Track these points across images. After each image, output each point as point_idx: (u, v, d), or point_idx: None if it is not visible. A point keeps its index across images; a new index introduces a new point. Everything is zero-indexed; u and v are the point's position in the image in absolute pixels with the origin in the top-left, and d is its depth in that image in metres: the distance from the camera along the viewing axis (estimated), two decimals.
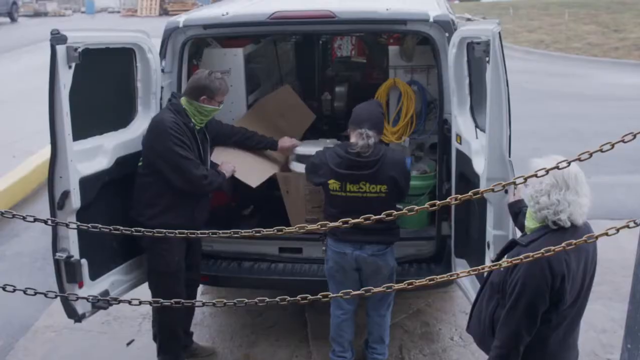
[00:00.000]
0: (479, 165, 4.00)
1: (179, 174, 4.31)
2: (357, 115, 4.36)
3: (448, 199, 2.71)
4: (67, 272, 4.07)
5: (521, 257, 2.51)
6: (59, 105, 3.86)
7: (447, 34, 4.56)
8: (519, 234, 3.70)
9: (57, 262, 4.07)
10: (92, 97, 4.29)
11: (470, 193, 2.59)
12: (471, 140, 4.23)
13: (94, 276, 4.29)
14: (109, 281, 4.46)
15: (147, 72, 4.63)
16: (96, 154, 4.29)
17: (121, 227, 2.89)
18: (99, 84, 4.36)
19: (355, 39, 7.60)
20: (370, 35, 6.53)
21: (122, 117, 4.63)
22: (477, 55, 3.67)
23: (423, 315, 5.60)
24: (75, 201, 4.03)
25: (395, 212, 2.71)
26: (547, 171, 2.50)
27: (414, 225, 5.17)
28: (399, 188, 4.36)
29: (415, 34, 4.79)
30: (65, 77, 3.88)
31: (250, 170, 4.91)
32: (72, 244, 4.06)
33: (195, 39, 4.93)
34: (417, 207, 2.69)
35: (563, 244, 2.47)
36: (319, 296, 2.65)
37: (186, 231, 2.88)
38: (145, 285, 4.73)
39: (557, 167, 2.44)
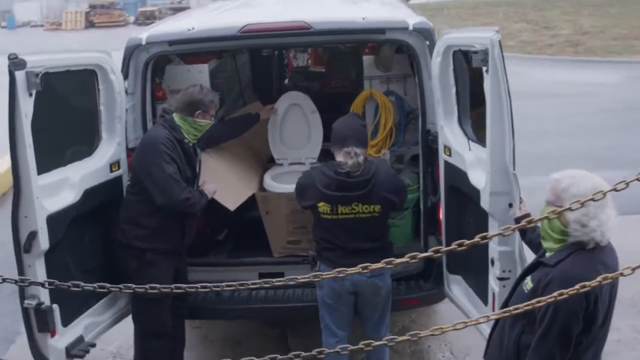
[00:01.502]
0: (477, 178, 3.83)
1: (163, 193, 4.06)
2: (338, 132, 4.11)
3: (454, 245, 2.41)
4: (38, 320, 3.68)
5: (577, 287, 2.30)
6: (21, 137, 3.48)
7: (427, 42, 4.39)
8: (526, 249, 3.58)
9: (25, 311, 3.68)
10: (54, 125, 3.92)
11: (512, 226, 2.35)
12: (463, 152, 4.06)
13: (66, 322, 3.90)
14: (83, 325, 4.08)
15: (111, 95, 4.27)
16: (62, 187, 3.91)
17: (107, 285, 2.62)
18: (59, 111, 3.99)
19: (311, 48, 7.39)
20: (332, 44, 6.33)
21: (86, 145, 4.26)
22: (474, 64, 3.49)
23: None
24: (43, 242, 3.64)
25: (396, 260, 2.43)
26: (605, 193, 2.31)
27: (398, 240, 4.97)
28: (394, 206, 4.17)
29: (394, 43, 4.60)
30: (26, 106, 3.51)
31: (228, 191, 4.61)
32: (41, 289, 3.67)
33: (158, 57, 4.59)
34: (420, 255, 2.44)
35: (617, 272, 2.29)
36: (313, 352, 2.27)
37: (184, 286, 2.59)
38: (119, 325, 4.37)
39: (615, 189, 2.26)
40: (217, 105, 4.38)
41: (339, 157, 4.07)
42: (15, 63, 3.42)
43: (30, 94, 3.52)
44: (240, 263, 4.91)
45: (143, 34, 4.52)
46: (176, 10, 35.63)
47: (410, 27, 4.36)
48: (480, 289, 4.01)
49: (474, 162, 3.94)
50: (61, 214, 3.81)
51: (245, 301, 4.75)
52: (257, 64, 6.91)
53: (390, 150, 4.95)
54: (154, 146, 4.08)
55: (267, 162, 5.52)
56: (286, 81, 7.50)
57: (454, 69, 4.15)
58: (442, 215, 4.50)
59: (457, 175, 4.16)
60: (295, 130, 5.23)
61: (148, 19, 35.62)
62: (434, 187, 4.61)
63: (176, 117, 4.23)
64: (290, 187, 4.76)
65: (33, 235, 3.60)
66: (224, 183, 4.57)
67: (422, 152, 4.65)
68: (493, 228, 3.71)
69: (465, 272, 4.33)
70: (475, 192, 3.83)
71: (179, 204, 4.08)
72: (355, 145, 4.01)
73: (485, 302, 3.90)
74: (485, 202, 3.68)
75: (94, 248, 4.18)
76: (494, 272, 3.74)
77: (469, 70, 4.03)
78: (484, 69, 3.50)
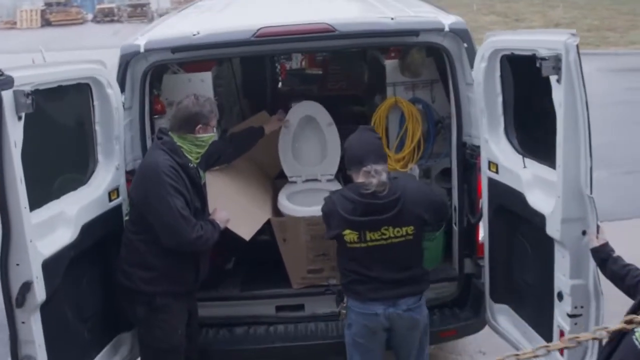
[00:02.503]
0: (540, 201, 3.36)
1: (171, 234, 3.48)
2: (353, 151, 3.59)
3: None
4: None
5: None
6: (10, 170, 2.88)
7: (465, 45, 3.92)
8: (604, 281, 3.13)
9: None
10: (43, 151, 3.31)
11: None
12: (517, 170, 3.59)
13: None
14: None
15: (107, 112, 3.69)
16: (56, 224, 3.31)
17: None
18: (49, 133, 3.39)
19: None
20: None
21: (80, 172, 3.67)
22: (544, 73, 3.01)
23: None
24: (39, 293, 3.05)
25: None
26: None
27: (428, 263, 4.45)
28: (431, 224, 3.74)
29: (427, 46, 4.11)
30: (16, 133, 2.91)
31: (240, 217, 4.06)
32: (38, 349, 3.07)
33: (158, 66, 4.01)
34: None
35: None
36: None
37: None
38: None
39: None
40: (218, 114, 3.83)
41: (359, 179, 3.54)
42: (2, 81, 2.82)
43: (20, 118, 2.92)
44: (256, 296, 4.36)
45: (140, 39, 3.93)
46: (135, 7, 34.77)
47: (446, 28, 3.87)
48: (541, 325, 3.55)
49: (533, 182, 3.47)
50: (58, 257, 3.22)
51: (262, 340, 4.22)
52: (248, 68, 6.34)
53: (418, 164, 4.46)
54: (155, 177, 3.48)
55: (274, 179, 4.99)
56: (280, 85, 6.96)
57: (501, 76, 3.68)
58: (483, 237, 4.04)
59: (507, 195, 3.69)
60: (310, 145, 4.71)
61: (107, 16, 34.64)
62: (472, 206, 4.15)
63: (174, 137, 3.65)
64: (309, 210, 4.27)
65: (27, 286, 3.00)
66: (234, 208, 4.01)
67: (456, 167, 4.18)
68: (560, 257, 3.26)
69: (516, 303, 3.86)
70: (537, 217, 3.36)
71: (191, 244, 3.50)
72: (375, 162, 3.49)
73: (550, 340, 3.44)
74: (553, 229, 3.21)
75: (94, 291, 3.60)
76: (562, 308, 3.28)
77: (519, 77, 3.59)
78: (555, 78, 3.03)
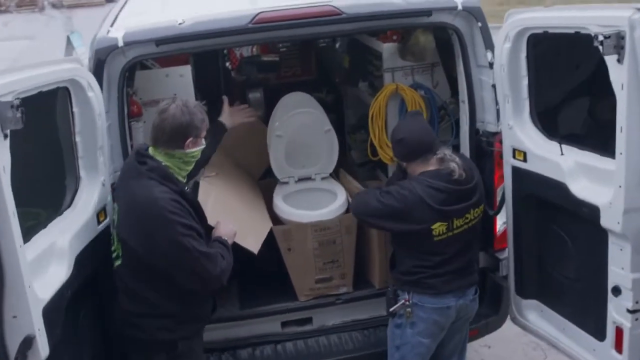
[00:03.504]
0: (588, 191, 3.10)
1: (196, 279, 2.97)
2: (418, 140, 3.38)
3: None
4: None
5: None
6: (2, 203, 2.32)
7: (479, 24, 3.61)
8: None
9: None
10: (22, 172, 2.72)
11: None
12: (552, 157, 3.33)
13: None
14: None
15: (90, 119, 3.13)
16: (50, 259, 2.77)
17: None
18: (26, 150, 2.79)
19: None
20: None
21: (61, 192, 3.10)
22: (605, 53, 2.73)
23: None
24: (42, 348, 2.50)
25: None
26: None
27: None
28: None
29: (437, 27, 3.76)
30: (3, 155, 2.34)
31: (244, 228, 3.59)
32: None
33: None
34: None
35: None
36: None
37: None
38: None
39: None
40: (208, 122, 3.23)
41: (430, 167, 3.34)
42: None
43: (5, 136, 2.36)
44: (258, 313, 3.91)
45: (115, 32, 3.37)
46: None
47: (460, 7, 3.55)
48: (587, 321, 3.32)
49: (576, 171, 3.21)
50: (56, 300, 2.68)
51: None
52: (199, 57, 5.78)
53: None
54: (159, 218, 2.86)
55: (258, 180, 4.54)
56: (233, 74, 6.42)
57: (527, 57, 3.39)
58: (500, 229, 3.79)
59: (539, 185, 3.43)
60: (305, 151, 4.28)
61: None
62: (488, 197, 3.87)
63: (158, 155, 3.03)
64: (315, 214, 3.88)
65: (28, 342, 2.45)
66: (235, 219, 3.54)
67: (470, 156, 3.88)
68: (617, 250, 3.02)
69: (550, 298, 3.61)
70: (586, 207, 3.10)
71: (217, 280, 2.99)
72: (441, 146, 3.39)
73: (601, 337, 3.23)
74: (611, 221, 2.95)
75: (92, 333, 3.06)
76: (620, 303, 3.05)
77: (552, 58, 3.33)
78: (614, 58, 2.76)
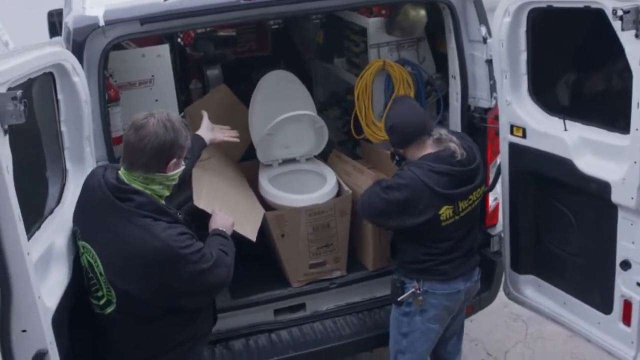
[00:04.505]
0: (596, 167, 3.08)
1: (207, 294, 2.75)
2: (412, 123, 3.25)
3: None
4: None
5: None
6: (6, 205, 2.07)
7: None
8: None
9: None
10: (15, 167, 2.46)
11: None
12: (555, 133, 3.29)
13: None
14: None
15: (75, 106, 2.88)
16: (50, 263, 2.53)
17: None
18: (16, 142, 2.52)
19: None
20: None
21: (52, 189, 2.82)
22: (624, 27, 2.68)
23: None
24: None
25: None
26: None
27: None
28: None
29: (430, 1, 3.64)
30: (5, 152, 2.09)
31: (239, 215, 3.41)
32: None
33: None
34: None
35: None
36: None
37: None
38: None
39: None
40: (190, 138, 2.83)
41: (428, 149, 3.22)
42: None
43: (5, 131, 2.10)
44: (252, 302, 3.75)
45: (94, 10, 3.08)
46: None
47: None
48: (592, 294, 3.34)
49: (582, 146, 3.19)
50: (61, 309, 2.44)
51: (269, 352, 3.66)
52: None
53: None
54: (173, 263, 2.51)
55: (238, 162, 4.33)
56: (188, 50, 6.13)
57: (527, 31, 3.33)
58: (504, 206, 3.75)
59: (540, 161, 3.39)
60: (294, 140, 4.07)
61: None
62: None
63: (135, 182, 2.57)
64: (309, 198, 3.73)
65: (40, 358, 2.22)
66: (229, 206, 3.35)
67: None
68: (628, 225, 3.03)
69: (548, 273, 3.62)
70: (594, 183, 3.09)
71: (227, 282, 2.76)
72: (435, 126, 3.30)
73: (607, 311, 3.25)
74: (624, 197, 2.94)
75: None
76: (629, 277, 3.07)
77: (555, 33, 3.27)
78: (632, 33, 2.72)
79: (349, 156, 4.28)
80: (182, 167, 2.70)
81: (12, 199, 2.09)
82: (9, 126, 2.09)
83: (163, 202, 2.65)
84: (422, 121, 3.26)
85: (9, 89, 2.14)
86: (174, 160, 2.61)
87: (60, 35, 6.37)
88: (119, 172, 2.60)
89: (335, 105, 4.97)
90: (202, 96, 5.15)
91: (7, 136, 2.10)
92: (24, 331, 2.19)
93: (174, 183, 2.68)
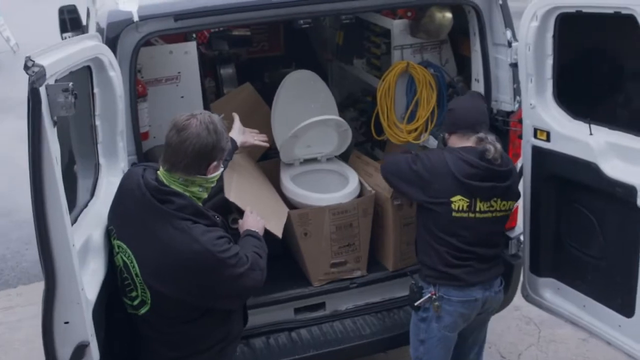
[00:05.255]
0: (622, 172, 3.10)
1: (242, 296, 2.81)
2: (466, 116, 3.35)
3: None
4: None
5: None
6: (56, 198, 2.09)
7: (500, 1, 3.56)
8: None
9: None
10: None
11: None
12: (580, 137, 3.32)
13: None
14: None
15: (111, 101, 2.90)
16: (88, 256, 2.53)
17: None
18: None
19: None
20: None
21: (85, 182, 2.84)
22: None
23: None
24: (95, 355, 2.30)
25: None
26: None
27: None
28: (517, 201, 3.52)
29: (456, 4, 3.67)
30: (54, 144, 2.10)
31: (265, 212, 3.42)
32: None
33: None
34: None
35: None
36: None
37: None
38: None
39: None
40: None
41: (468, 143, 3.28)
42: (37, 73, 1.99)
43: (55, 123, 2.12)
44: (273, 301, 3.76)
45: (128, 5, 3.10)
46: None
47: None
48: (613, 298, 3.36)
49: (608, 151, 3.22)
50: (100, 302, 2.45)
51: (289, 351, 3.67)
52: None
53: (432, 134, 4.07)
54: (212, 267, 2.52)
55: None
56: (202, 49, 6.14)
57: (554, 36, 3.36)
58: (524, 209, 3.76)
59: (564, 165, 3.42)
60: (317, 142, 4.09)
61: None
62: None
63: (174, 183, 2.56)
64: (333, 197, 3.76)
65: (81, 350, 2.24)
66: (257, 203, 3.37)
67: None
68: None
69: (570, 276, 3.64)
70: (621, 188, 3.12)
71: (261, 285, 2.75)
72: (487, 131, 3.30)
73: (629, 314, 3.28)
74: None
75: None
76: None
77: (582, 39, 3.31)
78: None
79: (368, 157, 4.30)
80: (221, 170, 2.70)
81: (61, 191, 2.10)
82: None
83: (200, 204, 2.64)
84: (477, 118, 3.33)
85: (56, 81, 2.16)
86: (215, 163, 2.61)
87: (70, 31, 6.42)
88: (158, 172, 2.60)
89: (352, 107, 4.99)
90: (216, 95, 5.19)
91: (56, 128, 2.12)
92: (66, 323, 2.21)
93: (212, 185, 2.67)
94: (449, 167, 3.18)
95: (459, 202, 3.18)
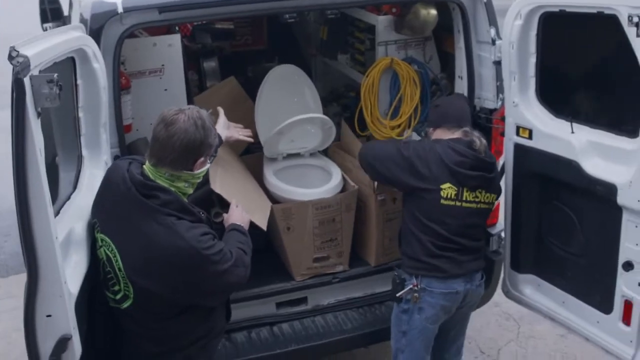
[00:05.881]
0: (603, 170, 3.15)
1: (225, 292, 2.80)
2: (452, 112, 3.45)
3: None
4: None
5: None
6: (39, 190, 2.07)
7: (484, 0, 3.58)
8: None
9: None
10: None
11: None
12: (562, 135, 3.35)
13: None
14: None
15: (94, 93, 2.88)
16: (70, 248, 2.51)
17: None
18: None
19: None
20: None
21: (68, 174, 2.81)
22: None
23: None
24: (77, 348, 2.28)
25: None
26: None
27: None
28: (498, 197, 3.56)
29: (441, 1, 3.68)
30: (39, 136, 2.08)
31: (250, 205, 3.42)
32: None
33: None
34: None
35: None
36: None
37: None
38: None
39: None
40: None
41: (454, 136, 3.36)
42: (21, 63, 1.97)
43: (39, 114, 2.09)
44: (254, 295, 3.75)
45: None
46: None
47: None
48: (592, 294, 3.42)
49: (590, 149, 3.25)
50: (82, 295, 2.43)
51: (271, 345, 3.67)
52: None
53: (415, 130, 4.09)
54: (196, 264, 2.50)
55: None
56: (185, 41, 6.10)
57: (537, 34, 3.39)
58: (506, 206, 3.79)
59: (545, 162, 3.46)
60: (301, 137, 4.10)
61: None
62: None
63: (160, 178, 2.54)
64: (316, 192, 3.76)
65: (63, 343, 2.23)
66: (241, 196, 3.36)
67: None
68: (632, 227, 3.11)
69: (549, 273, 3.68)
70: (601, 185, 3.16)
71: (244, 281, 2.74)
72: (471, 127, 3.43)
73: (607, 310, 3.33)
74: (630, 199, 3.02)
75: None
76: (631, 278, 3.14)
77: (565, 38, 3.34)
78: None
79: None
80: (208, 165, 2.67)
81: (44, 183, 2.09)
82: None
83: (185, 199, 2.63)
84: (462, 115, 3.44)
85: (40, 72, 2.14)
86: (202, 158, 2.58)
87: (51, 21, 6.35)
88: (144, 167, 2.58)
89: (335, 102, 5.00)
90: (199, 88, 5.17)
91: (40, 119, 2.10)
92: (48, 316, 2.20)
93: (198, 181, 2.66)
94: (439, 155, 3.24)
95: (448, 189, 3.23)
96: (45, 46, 2.26)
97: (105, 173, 2.67)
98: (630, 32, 2.81)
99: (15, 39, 2.14)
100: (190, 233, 2.49)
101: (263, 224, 3.37)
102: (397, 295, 3.37)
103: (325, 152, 4.29)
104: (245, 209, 3.11)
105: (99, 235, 2.61)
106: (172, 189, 2.55)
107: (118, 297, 2.60)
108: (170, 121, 2.50)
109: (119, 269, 2.55)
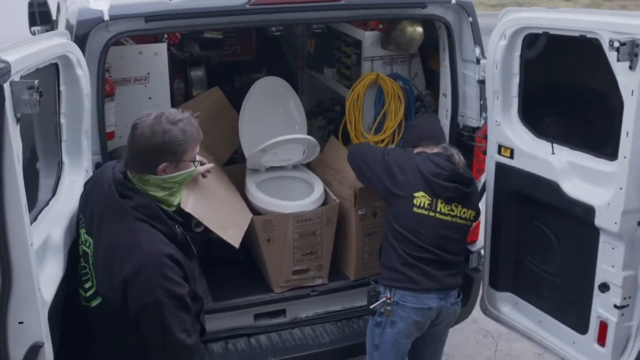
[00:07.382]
0: (582, 191, 3.18)
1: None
2: (429, 130, 3.59)
3: None
4: None
5: None
6: (15, 196, 2.06)
7: (470, 19, 3.62)
8: None
9: None
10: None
11: None
12: (543, 155, 3.39)
13: None
14: None
15: (77, 99, 2.87)
16: (46, 255, 2.50)
17: None
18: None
19: None
20: None
21: (47, 180, 2.80)
22: (620, 59, 2.79)
23: None
24: (49, 356, 2.26)
25: None
26: None
27: None
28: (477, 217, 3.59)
29: (428, 19, 3.72)
30: (17, 143, 2.07)
31: (226, 220, 3.41)
32: None
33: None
34: None
35: None
36: None
37: None
38: None
39: None
40: (198, 138, 2.64)
41: (434, 151, 3.44)
42: (2, 68, 1.96)
43: (18, 120, 2.09)
44: (233, 306, 3.74)
45: (99, 3, 3.07)
46: None
47: (453, 0, 3.53)
48: (568, 314, 3.44)
49: (569, 170, 3.29)
50: (56, 302, 2.42)
51: (248, 356, 3.66)
52: None
53: (398, 146, 4.11)
54: (151, 272, 2.43)
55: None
56: (173, 50, 6.10)
57: (521, 55, 3.43)
58: (486, 224, 3.81)
59: (526, 182, 3.48)
60: (284, 152, 4.12)
61: None
62: None
63: (135, 179, 2.55)
64: (297, 204, 3.77)
65: (35, 351, 2.20)
66: (216, 209, 3.36)
67: None
68: (609, 249, 3.13)
69: (526, 291, 3.70)
70: (579, 207, 3.19)
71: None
72: (450, 145, 3.55)
73: (582, 331, 3.35)
74: (607, 221, 3.05)
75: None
76: (607, 299, 3.17)
77: (549, 59, 3.38)
78: (626, 64, 2.83)
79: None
80: (184, 172, 2.59)
81: (21, 190, 2.07)
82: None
83: (171, 203, 2.61)
84: (438, 133, 3.57)
85: (22, 78, 2.14)
86: (165, 164, 2.52)
87: (39, 25, 6.33)
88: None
89: (320, 115, 5.02)
90: (185, 97, 5.16)
91: (19, 125, 2.09)
92: (20, 323, 2.17)
93: (174, 185, 2.60)
94: (416, 165, 3.33)
95: (421, 198, 3.29)
96: (28, 52, 2.26)
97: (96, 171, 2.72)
98: (611, 56, 2.85)
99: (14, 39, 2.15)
100: (160, 251, 2.44)
101: (236, 242, 3.36)
102: (371, 307, 3.39)
103: (309, 165, 4.31)
104: (220, 224, 3.12)
105: (81, 231, 2.63)
106: (148, 193, 2.55)
107: (89, 294, 2.58)
108: (134, 125, 2.54)
109: (93, 264, 2.55)
